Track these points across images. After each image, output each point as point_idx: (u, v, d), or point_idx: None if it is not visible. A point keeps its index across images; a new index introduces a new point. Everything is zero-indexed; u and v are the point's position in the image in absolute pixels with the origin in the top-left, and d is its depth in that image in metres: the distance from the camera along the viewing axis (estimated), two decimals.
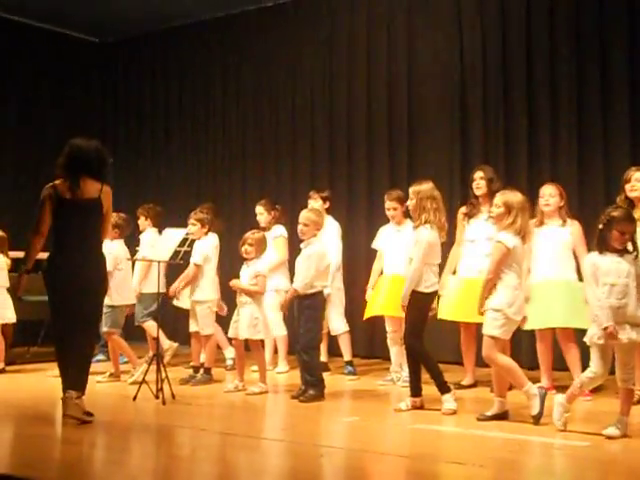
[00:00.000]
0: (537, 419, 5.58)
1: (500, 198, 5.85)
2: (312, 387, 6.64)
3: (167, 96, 11.75)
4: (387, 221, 7.77)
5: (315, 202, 8.10)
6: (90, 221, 5.94)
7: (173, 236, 7.16)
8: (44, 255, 6.01)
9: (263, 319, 7.11)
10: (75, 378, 5.79)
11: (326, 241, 7.27)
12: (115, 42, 12.22)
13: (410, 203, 6.32)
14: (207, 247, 7.71)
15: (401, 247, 7.06)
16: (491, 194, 7.11)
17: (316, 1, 10.31)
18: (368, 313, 7.64)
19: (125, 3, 10.66)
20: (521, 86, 8.67)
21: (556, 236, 6.74)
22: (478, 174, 7.29)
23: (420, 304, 6.20)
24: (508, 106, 8.75)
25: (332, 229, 8.01)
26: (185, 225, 7.71)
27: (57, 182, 5.91)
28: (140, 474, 4.57)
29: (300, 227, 6.87)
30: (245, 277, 7.15)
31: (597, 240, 5.33)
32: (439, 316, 7.10)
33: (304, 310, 6.74)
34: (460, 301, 7.04)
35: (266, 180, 10.55)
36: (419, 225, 6.22)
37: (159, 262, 7.16)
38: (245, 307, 7.06)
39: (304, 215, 6.95)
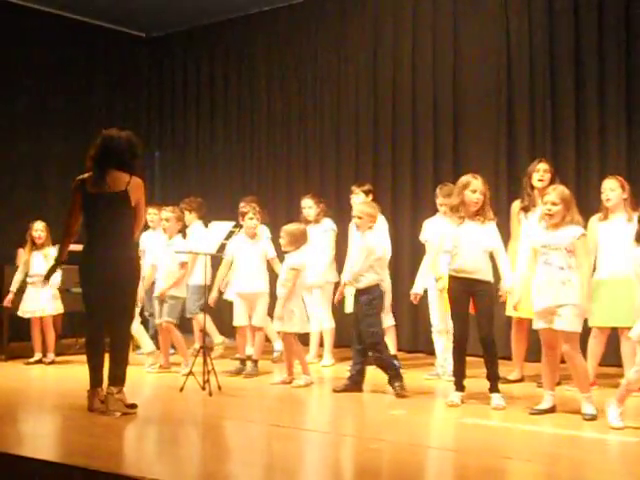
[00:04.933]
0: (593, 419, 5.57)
1: (557, 195, 5.73)
2: (396, 379, 6.64)
3: (212, 90, 11.80)
4: (431, 213, 7.74)
5: (357, 196, 8.08)
6: (115, 215, 5.87)
7: (220, 229, 7.22)
8: (79, 247, 6.07)
9: (299, 312, 7.13)
10: (112, 373, 5.85)
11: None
12: (161, 37, 12.30)
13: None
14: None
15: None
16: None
17: None
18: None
19: None
20: (569, 75, 8.54)
21: (621, 231, 6.51)
22: (542, 166, 7.08)
23: (493, 295, 6.26)
24: (556, 97, 8.64)
25: (379, 223, 7.94)
26: (230, 218, 7.76)
27: (85, 175, 5.95)
28: (188, 464, 4.61)
29: (355, 220, 6.88)
30: (282, 270, 7.19)
31: (636, 234, 5.40)
32: (507, 313, 7.08)
33: (362, 306, 6.74)
34: (525, 297, 6.95)
35: (310, 173, 10.57)
36: (488, 219, 6.21)
37: (206, 255, 7.23)
38: (280, 301, 7.09)
39: (357, 208, 6.98)
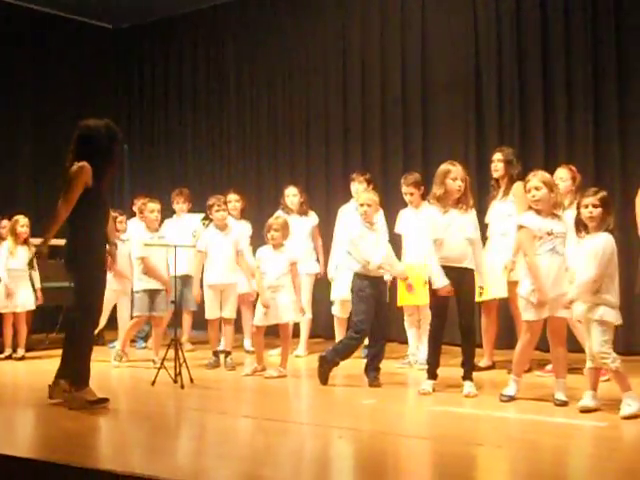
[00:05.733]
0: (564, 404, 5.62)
1: (538, 179, 5.76)
2: (376, 370, 6.70)
3: (180, 82, 11.76)
4: (404, 204, 7.77)
5: (360, 184, 8.07)
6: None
7: (191, 221, 7.20)
8: (61, 242, 6.03)
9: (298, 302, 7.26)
10: (68, 370, 5.84)
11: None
12: (129, 28, 12.22)
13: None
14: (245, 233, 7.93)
15: (419, 231, 7.05)
16: (509, 176, 7.09)
17: None
18: (401, 301, 7.59)
19: None
20: (536, 67, 8.64)
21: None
22: (496, 156, 7.22)
23: (474, 284, 6.28)
24: (523, 88, 8.73)
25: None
26: (200, 210, 7.75)
27: None
28: (162, 458, 4.61)
29: (364, 208, 6.78)
30: (279, 262, 7.14)
31: (575, 226, 5.44)
32: (476, 299, 7.13)
33: (383, 293, 6.82)
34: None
35: (280, 165, 10.57)
36: (469, 207, 6.23)
37: (175, 247, 7.21)
38: (283, 291, 7.10)
39: (365, 196, 6.90)
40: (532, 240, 5.71)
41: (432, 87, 9.41)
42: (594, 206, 5.33)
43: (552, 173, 7.22)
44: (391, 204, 8.52)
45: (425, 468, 4.45)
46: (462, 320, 6.20)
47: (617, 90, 8.18)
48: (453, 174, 6.16)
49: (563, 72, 8.49)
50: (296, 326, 8.43)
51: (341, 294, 7.89)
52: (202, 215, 7.69)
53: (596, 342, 5.30)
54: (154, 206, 7.91)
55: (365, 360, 6.92)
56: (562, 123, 8.48)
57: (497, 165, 7.18)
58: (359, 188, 8.00)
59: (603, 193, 5.38)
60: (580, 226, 5.43)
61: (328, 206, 8.86)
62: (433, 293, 6.24)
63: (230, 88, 11.22)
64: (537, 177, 5.79)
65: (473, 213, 6.27)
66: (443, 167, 6.21)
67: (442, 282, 6.03)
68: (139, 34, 12.14)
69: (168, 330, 8.22)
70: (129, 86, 12.34)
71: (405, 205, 7.72)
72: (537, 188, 5.74)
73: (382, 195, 9.21)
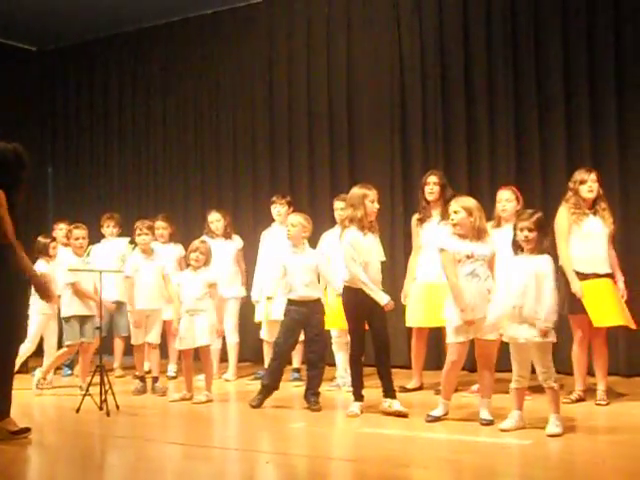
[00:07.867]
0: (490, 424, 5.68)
1: (457, 203, 5.89)
2: (317, 396, 6.65)
3: (106, 104, 11.61)
4: (328, 228, 7.80)
5: (281, 207, 8.10)
6: None
7: (118, 246, 7.13)
8: None
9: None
10: None
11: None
12: (53, 50, 12.04)
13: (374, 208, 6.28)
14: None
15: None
16: (443, 199, 7.16)
17: (254, 7, 10.29)
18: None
19: (64, 11, 10.51)
20: (460, 91, 8.76)
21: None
22: (432, 179, 7.26)
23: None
24: (447, 111, 8.83)
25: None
26: (127, 234, 7.68)
27: None
28: None
29: (288, 228, 6.90)
30: (196, 285, 7.09)
31: (512, 246, 5.54)
32: (407, 324, 7.19)
33: (313, 317, 6.80)
34: (426, 307, 7.07)
35: (207, 188, 10.51)
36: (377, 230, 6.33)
37: (101, 272, 7.11)
38: (202, 315, 7.04)
39: (296, 218, 6.95)
40: (452, 262, 5.80)
41: (358, 111, 9.45)
42: (529, 230, 5.41)
43: (475, 193, 7.39)
44: (318, 225, 8.55)
45: None
46: (376, 342, 6.24)
47: (539, 112, 8.32)
48: (371, 197, 6.25)
49: (486, 93, 8.61)
50: (224, 350, 8.40)
51: (260, 317, 8.02)
52: (128, 239, 7.63)
53: (542, 361, 5.39)
54: (79, 233, 7.78)
55: (294, 383, 6.87)
56: (485, 145, 8.60)
57: (433, 188, 7.21)
58: (281, 210, 8.05)
59: (538, 215, 5.49)
60: (516, 247, 5.52)
61: (256, 228, 8.83)
62: (350, 317, 6.29)
63: (156, 110, 11.12)
64: (457, 201, 5.93)
65: (377, 236, 6.41)
66: (359, 190, 6.28)
67: (386, 298, 6.11)
68: (64, 56, 11.95)
69: (95, 357, 8.10)
70: (53, 108, 12.11)
71: (331, 226, 7.75)
72: (455, 212, 5.86)
73: (309, 216, 9.35)
